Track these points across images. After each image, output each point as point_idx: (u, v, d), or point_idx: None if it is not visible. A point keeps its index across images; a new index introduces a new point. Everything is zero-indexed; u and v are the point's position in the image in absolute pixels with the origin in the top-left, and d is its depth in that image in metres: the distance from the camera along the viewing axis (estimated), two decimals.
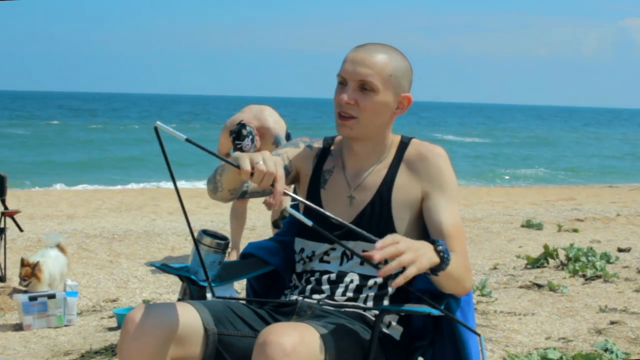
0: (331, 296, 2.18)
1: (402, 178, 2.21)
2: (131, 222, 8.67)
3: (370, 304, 2.16)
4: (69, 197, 12.32)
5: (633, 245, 6.77)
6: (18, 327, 4.44)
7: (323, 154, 2.33)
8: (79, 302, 4.83)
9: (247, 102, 6.87)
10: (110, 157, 23.08)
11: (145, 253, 6.71)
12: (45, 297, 4.44)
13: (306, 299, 2.18)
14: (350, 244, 2.19)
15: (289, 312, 2.15)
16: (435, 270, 1.91)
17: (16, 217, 5.81)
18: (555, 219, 8.94)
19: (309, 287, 2.22)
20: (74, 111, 59.02)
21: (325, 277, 2.21)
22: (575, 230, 7.91)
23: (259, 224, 8.18)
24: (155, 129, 1.84)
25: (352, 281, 2.18)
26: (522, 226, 8.26)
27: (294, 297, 2.22)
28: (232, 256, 5.97)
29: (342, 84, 2.19)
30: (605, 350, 3.66)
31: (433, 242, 1.91)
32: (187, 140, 1.84)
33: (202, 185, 15.10)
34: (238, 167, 1.92)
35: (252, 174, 1.90)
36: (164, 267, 2.34)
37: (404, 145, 2.26)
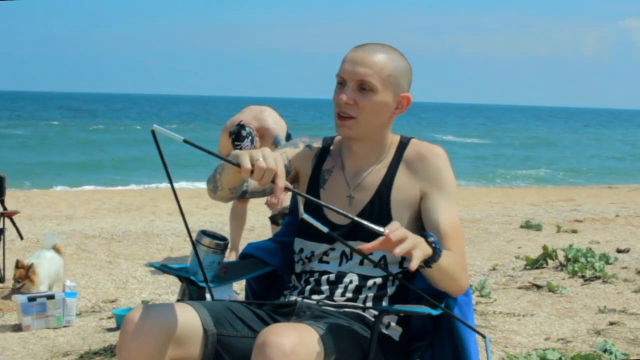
0: (330, 297, 2.18)
1: (401, 178, 2.21)
2: (130, 222, 8.67)
3: (369, 304, 2.16)
4: (68, 197, 12.32)
5: (632, 246, 6.77)
6: (17, 328, 4.44)
7: (322, 154, 2.33)
8: (78, 302, 4.83)
9: (247, 102, 6.87)
10: (110, 158, 23.08)
11: (145, 254, 6.71)
12: (44, 297, 4.44)
13: (305, 300, 2.18)
14: (349, 244, 2.19)
15: (288, 313, 2.15)
16: (428, 262, 1.93)
17: (15, 217, 5.81)
18: (554, 219, 8.94)
19: (308, 287, 2.22)
20: (73, 111, 59.01)
21: (324, 277, 2.21)
22: (574, 231, 7.91)
23: (258, 225, 8.18)
24: (153, 132, 1.84)
25: (351, 282, 2.18)
26: (521, 227, 8.26)
27: (293, 298, 2.22)
28: (231, 257, 5.97)
29: (341, 84, 2.19)
30: (604, 351, 3.66)
31: (424, 236, 1.93)
32: (185, 141, 1.84)
33: (202, 185, 15.10)
34: (238, 165, 1.91)
35: (252, 172, 1.90)
36: (163, 268, 2.34)
37: (403, 145, 2.26)
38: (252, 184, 2.29)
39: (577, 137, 45.59)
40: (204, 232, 2.38)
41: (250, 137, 5.61)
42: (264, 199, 7.36)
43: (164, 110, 68.85)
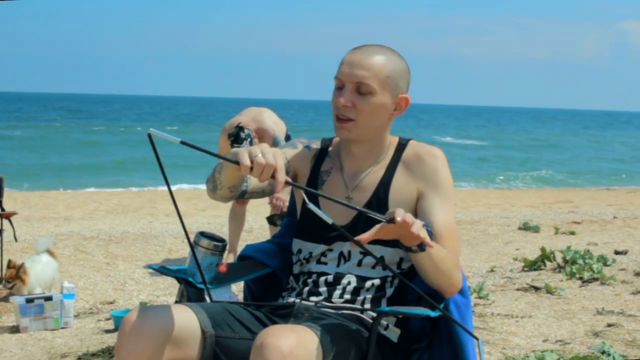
0: (328, 298, 2.18)
1: (399, 178, 2.21)
2: (128, 224, 8.66)
3: (367, 306, 2.16)
4: (66, 199, 12.31)
5: (630, 248, 6.77)
6: (15, 330, 4.43)
7: (321, 155, 2.34)
8: (76, 304, 4.82)
9: (246, 104, 6.87)
10: (109, 160, 23.06)
11: (143, 255, 6.71)
12: (42, 299, 4.43)
13: (304, 301, 2.18)
14: (347, 244, 2.20)
15: (287, 315, 2.15)
16: (421, 245, 1.95)
17: (13, 219, 5.80)
18: (552, 221, 8.95)
19: (306, 289, 2.22)
20: (73, 113, 58.95)
21: (322, 278, 2.21)
22: (572, 233, 7.92)
23: (256, 226, 8.17)
24: (149, 136, 1.84)
25: (349, 283, 2.18)
26: (519, 229, 8.27)
27: (291, 300, 2.22)
28: (229, 258, 5.96)
29: (340, 86, 2.19)
30: (603, 352, 3.66)
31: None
32: (182, 142, 1.83)
33: (200, 187, 15.10)
34: (237, 162, 1.91)
35: (251, 168, 1.90)
36: (161, 270, 2.33)
37: (401, 146, 2.27)
38: (252, 183, 2.29)
39: (576, 139, 45.56)
40: (202, 234, 2.38)
41: (249, 139, 5.61)
42: (262, 200, 7.35)
43: (164, 112, 68.81)
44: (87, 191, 14.87)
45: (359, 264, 2.19)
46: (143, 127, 39.27)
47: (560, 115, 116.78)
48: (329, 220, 1.88)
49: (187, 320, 2.01)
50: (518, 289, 5.17)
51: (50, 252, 5.13)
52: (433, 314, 2.03)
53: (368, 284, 2.18)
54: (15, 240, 5.91)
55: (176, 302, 2.32)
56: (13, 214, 5.74)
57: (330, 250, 2.23)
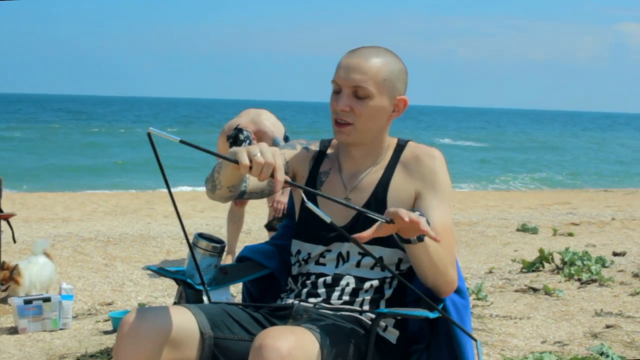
0: (327, 300, 2.17)
1: (398, 179, 2.21)
2: (126, 225, 8.66)
3: (366, 307, 2.16)
4: (64, 200, 12.29)
5: (628, 250, 6.78)
6: (13, 331, 4.43)
7: (319, 156, 2.34)
8: (74, 305, 4.82)
9: (245, 105, 6.88)
10: (108, 161, 23.05)
11: (141, 256, 6.70)
12: (41, 300, 4.43)
13: (302, 303, 2.18)
14: (346, 245, 2.20)
15: (285, 316, 2.15)
16: (421, 235, 1.97)
17: (11, 220, 5.79)
18: (551, 223, 8.95)
19: (305, 290, 2.22)
20: (72, 114, 58.91)
21: (321, 280, 2.21)
22: (570, 234, 7.92)
23: (254, 228, 8.17)
24: (149, 135, 1.83)
25: (348, 284, 2.18)
26: (518, 230, 8.27)
27: (290, 301, 2.22)
28: (228, 260, 5.96)
29: (337, 90, 2.19)
30: (601, 354, 3.66)
31: (412, 212, 1.96)
32: (182, 141, 1.83)
33: (199, 189, 15.09)
34: (236, 162, 1.91)
35: (250, 167, 1.90)
36: (160, 271, 2.33)
37: (400, 147, 2.27)
38: (251, 183, 2.29)
39: (576, 140, 45.54)
40: (200, 235, 2.38)
41: (248, 141, 5.62)
42: (261, 202, 7.35)
43: (163, 113, 68.75)
44: (86, 192, 14.86)
45: (358, 264, 2.19)
46: (143, 129, 39.25)
47: (559, 117, 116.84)
48: (327, 219, 1.88)
49: (186, 322, 2.01)
50: (516, 291, 5.17)
51: (47, 254, 5.11)
52: (432, 315, 2.03)
53: (367, 285, 2.18)
54: (14, 241, 5.90)
55: (175, 303, 2.32)
56: (11, 215, 5.73)
57: (329, 251, 2.23)
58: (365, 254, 2.12)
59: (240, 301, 2.41)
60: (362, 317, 2.14)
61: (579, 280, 5.36)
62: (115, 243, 7.23)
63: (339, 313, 2.13)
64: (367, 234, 1.91)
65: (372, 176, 2.24)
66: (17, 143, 28.61)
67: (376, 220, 2.09)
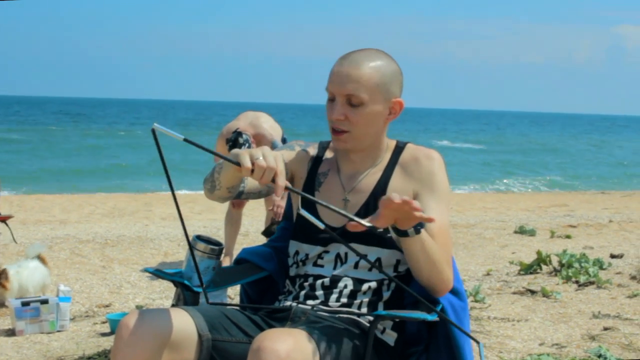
0: (325, 302, 2.17)
1: (396, 180, 2.22)
2: (124, 227, 8.65)
3: (364, 310, 2.16)
4: (62, 202, 12.29)
5: (625, 252, 6.78)
6: (11, 333, 4.42)
7: (318, 157, 2.34)
8: (72, 307, 4.81)
9: (245, 107, 6.88)
10: (107, 163, 23.03)
11: (139, 258, 6.70)
12: (38, 302, 4.42)
13: (300, 305, 2.18)
14: (344, 246, 2.20)
15: (283, 318, 2.14)
16: (417, 226, 1.97)
17: (9, 222, 5.79)
18: (548, 225, 8.96)
19: (302, 292, 2.22)
20: (71, 116, 58.83)
21: (319, 282, 2.20)
22: (568, 237, 7.92)
23: (252, 230, 8.17)
24: (153, 131, 1.83)
25: (346, 286, 2.18)
26: (515, 232, 8.27)
27: (288, 303, 2.22)
28: (226, 262, 5.96)
29: (331, 98, 2.19)
30: (599, 356, 3.66)
31: None
32: (185, 140, 1.83)
33: (196, 191, 15.08)
34: (238, 164, 1.91)
35: (252, 171, 1.90)
36: (157, 273, 2.33)
37: (399, 149, 2.27)
38: (249, 183, 2.29)
39: (576, 142, 45.49)
40: (198, 237, 2.38)
41: (247, 144, 5.63)
42: (259, 204, 7.35)
43: (162, 116, 68.62)
44: (83, 194, 14.85)
45: (356, 266, 2.19)
46: (142, 131, 39.28)
47: (558, 119, 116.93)
48: (321, 226, 1.89)
49: (184, 324, 2.01)
50: (514, 293, 5.17)
51: (41, 258, 5.04)
52: (430, 317, 2.03)
53: (365, 286, 2.18)
54: (15, 241, 5.90)
55: (172, 305, 2.31)
56: (9, 217, 5.75)
57: (327, 252, 2.23)
58: (362, 257, 2.12)
59: (237, 304, 2.41)
60: (360, 320, 2.14)
61: (577, 282, 5.36)
62: (112, 245, 7.22)
63: (337, 315, 2.13)
64: (356, 223, 1.90)
65: (370, 177, 2.24)
66: (16, 145, 28.58)
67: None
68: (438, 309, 2.09)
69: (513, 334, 4.18)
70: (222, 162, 2.10)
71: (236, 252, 6.06)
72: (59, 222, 9.44)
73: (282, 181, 1.89)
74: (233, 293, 5.01)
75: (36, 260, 5.00)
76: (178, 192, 15.60)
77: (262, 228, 6.85)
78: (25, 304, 4.40)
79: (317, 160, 2.34)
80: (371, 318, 2.10)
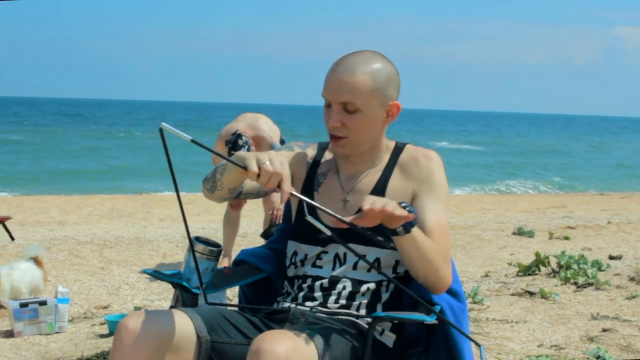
0: (324, 304, 2.17)
1: (395, 181, 2.22)
2: (122, 228, 8.64)
3: (363, 311, 2.16)
4: (60, 203, 12.27)
5: (624, 253, 6.79)
6: (9, 334, 4.42)
7: (317, 158, 2.34)
8: (70, 308, 4.80)
9: (245, 109, 6.88)
10: (106, 165, 23.02)
11: (137, 260, 6.69)
12: (37, 303, 4.42)
13: (299, 307, 2.18)
14: (342, 246, 2.20)
15: (282, 320, 2.14)
16: (407, 225, 1.97)
17: (7, 223, 5.79)
18: (547, 226, 8.96)
19: (301, 294, 2.22)
20: (70, 117, 58.78)
21: (317, 283, 2.20)
22: (566, 238, 7.93)
23: (250, 231, 8.16)
24: (161, 131, 1.82)
25: (344, 288, 2.18)
26: (514, 233, 8.27)
27: (286, 305, 2.22)
28: (224, 263, 5.96)
29: (328, 104, 2.19)
30: (598, 357, 3.67)
31: (398, 203, 1.97)
32: (193, 141, 1.83)
33: (195, 192, 15.08)
34: (245, 167, 1.91)
35: (258, 175, 1.90)
36: (156, 274, 2.33)
37: (398, 150, 2.27)
38: (248, 184, 2.29)
39: (576, 143, 45.43)
40: (197, 239, 2.37)
41: (246, 147, 5.64)
42: (257, 206, 7.34)
43: (160, 117, 68.57)
44: (82, 196, 14.84)
45: (355, 267, 2.19)
46: (142, 132, 39.30)
47: (557, 120, 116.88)
48: (328, 232, 1.89)
49: (183, 326, 2.01)
50: (513, 294, 5.17)
51: (37, 260, 4.98)
52: (429, 319, 2.03)
53: (363, 288, 2.17)
54: (12, 239, 5.89)
55: (171, 307, 2.31)
56: (7, 218, 5.74)
57: (325, 252, 2.23)
58: (361, 257, 2.12)
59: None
60: (359, 321, 2.14)
61: (575, 283, 5.37)
62: (111, 246, 7.22)
63: (335, 317, 2.13)
64: (341, 220, 1.92)
65: (370, 178, 2.24)
66: (14, 146, 28.57)
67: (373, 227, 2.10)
68: (437, 310, 2.09)
69: (511, 336, 4.18)
70: (225, 163, 2.10)
71: (234, 254, 6.06)
72: (58, 223, 9.44)
73: (287, 187, 1.90)
74: (232, 294, 5.01)
75: (30, 261, 4.95)
76: (174, 193, 15.56)
77: (261, 229, 6.85)
78: (23, 305, 4.40)
79: (316, 161, 2.34)
80: (370, 319, 2.10)
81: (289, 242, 2.32)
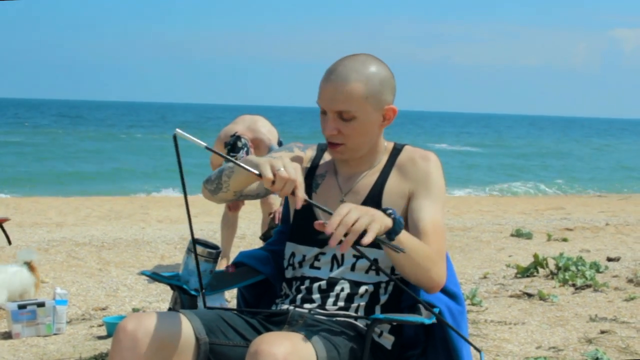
0: (322, 306, 2.17)
1: (393, 181, 2.22)
2: (120, 230, 8.64)
3: (361, 313, 2.16)
4: (58, 205, 12.26)
5: (622, 255, 6.79)
6: (7, 336, 4.41)
7: (316, 159, 2.35)
8: (69, 310, 4.80)
9: (244, 111, 6.89)
10: (105, 166, 23.00)
11: (135, 261, 6.69)
12: (35, 305, 4.42)
13: (297, 309, 2.18)
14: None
15: (281, 322, 2.14)
16: (390, 233, 1.92)
17: (5, 225, 5.78)
18: (545, 228, 8.96)
19: (299, 296, 2.22)
20: (70, 119, 58.71)
21: (315, 285, 2.20)
22: (564, 240, 7.93)
23: (249, 233, 8.16)
24: (174, 137, 1.83)
25: (342, 290, 2.18)
26: (512, 235, 8.27)
27: (285, 307, 2.22)
28: (222, 265, 5.96)
29: (323, 111, 2.19)
30: (596, 359, 3.67)
31: (383, 210, 1.94)
32: (207, 148, 1.84)
33: (194, 194, 15.07)
34: (259, 174, 1.91)
35: (273, 182, 1.89)
36: (154, 276, 2.33)
37: (396, 151, 2.27)
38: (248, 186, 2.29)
39: (577, 145, 45.35)
40: (196, 241, 2.37)
41: (245, 148, 5.65)
42: (256, 207, 7.34)
43: (160, 118, 68.47)
44: (80, 197, 14.82)
45: (353, 268, 2.19)
46: (142, 134, 39.31)
47: (556, 122, 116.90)
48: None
49: (182, 328, 2.01)
50: (511, 296, 5.17)
51: (30, 266, 4.92)
52: (427, 321, 2.03)
53: (362, 289, 2.17)
54: (10, 243, 5.88)
55: (170, 309, 2.31)
56: (5, 219, 5.73)
57: (323, 253, 2.23)
58: (360, 256, 2.12)
59: (235, 307, 2.41)
60: (358, 323, 2.14)
61: (574, 285, 5.37)
62: (109, 248, 7.22)
63: (334, 319, 2.13)
64: (322, 224, 1.88)
65: (367, 179, 2.25)
66: (13, 147, 28.53)
67: None
68: (435, 312, 2.09)
69: (510, 337, 4.18)
70: (233, 165, 2.10)
71: (233, 255, 6.06)
72: (56, 225, 9.43)
73: (301, 193, 1.90)
74: (230, 296, 5.01)
75: (24, 266, 4.89)
76: (176, 195, 15.46)
77: (259, 231, 6.85)
78: (21, 306, 4.40)
79: (315, 162, 2.34)
80: (368, 321, 2.10)
81: (287, 243, 2.32)
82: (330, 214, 1.89)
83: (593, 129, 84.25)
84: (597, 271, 5.79)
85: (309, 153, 2.36)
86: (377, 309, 2.17)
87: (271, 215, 5.72)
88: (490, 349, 3.97)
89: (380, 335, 2.16)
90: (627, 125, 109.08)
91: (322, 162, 2.34)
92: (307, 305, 2.18)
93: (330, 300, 2.17)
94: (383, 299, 2.18)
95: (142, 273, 2.42)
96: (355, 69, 2.14)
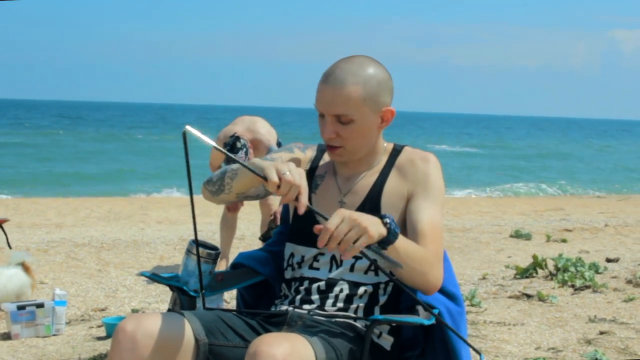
0: (321, 307, 2.17)
1: (392, 182, 2.22)
2: (120, 231, 8.64)
3: (360, 314, 2.16)
4: (58, 205, 12.25)
5: (621, 256, 6.80)
6: (6, 337, 4.41)
7: (316, 160, 2.35)
8: (68, 311, 4.80)
9: (244, 111, 6.89)
10: (105, 167, 22.98)
11: (134, 262, 6.69)
12: (34, 306, 4.42)
13: (296, 310, 2.18)
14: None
15: (280, 323, 2.14)
16: (384, 242, 1.91)
17: (4, 225, 5.78)
18: (544, 229, 8.97)
19: (298, 297, 2.22)
20: (70, 120, 58.64)
21: (314, 286, 2.20)
22: (563, 241, 7.93)
23: (248, 234, 8.16)
24: (184, 134, 1.83)
25: (341, 290, 2.18)
26: (511, 236, 8.28)
27: (284, 308, 2.22)
28: (222, 266, 5.96)
29: (322, 115, 2.19)
30: None
31: (381, 217, 1.93)
32: (216, 147, 1.84)
33: (195, 194, 15.04)
34: (264, 177, 1.91)
35: (278, 186, 1.89)
36: (154, 277, 2.33)
37: (396, 152, 2.28)
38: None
39: (577, 146, 45.29)
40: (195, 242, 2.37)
41: (244, 149, 5.65)
42: (255, 208, 7.34)
43: (160, 119, 68.43)
44: (79, 198, 14.82)
45: (352, 268, 2.19)
46: (142, 135, 39.28)
47: (555, 123, 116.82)
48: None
49: (181, 329, 2.01)
50: (510, 297, 5.17)
51: (25, 267, 4.92)
52: (427, 322, 2.03)
53: (361, 290, 2.17)
54: (9, 247, 5.88)
55: (169, 309, 2.31)
56: (5, 220, 5.73)
57: (322, 254, 2.23)
58: (359, 257, 2.12)
59: (234, 308, 2.41)
60: (357, 324, 2.14)
61: (573, 286, 5.37)
62: (108, 249, 7.22)
63: (333, 320, 2.13)
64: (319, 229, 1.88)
65: (367, 180, 2.25)
66: (13, 148, 28.52)
67: None
68: (435, 313, 2.09)
69: (509, 338, 4.18)
70: (236, 167, 2.10)
71: (232, 256, 6.06)
72: (55, 226, 9.42)
73: (305, 199, 1.90)
74: (229, 297, 5.01)
75: (15, 267, 4.88)
76: (175, 196, 15.42)
77: (258, 232, 6.85)
78: (20, 307, 4.40)
79: (314, 163, 2.34)
80: (368, 322, 2.10)
81: (287, 244, 2.33)
82: (324, 216, 1.90)
83: (593, 130, 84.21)
84: (596, 272, 5.80)
85: (309, 153, 2.36)
86: (376, 309, 2.17)
87: (272, 216, 5.72)
88: (489, 350, 3.97)
89: (379, 336, 2.16)
90: (627, 127, 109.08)
91: (321, 162, 2.34)
92: (306, 306, 2.18)
93: (330, 301, 2.17)
94: (382, 299, 2.18)
95: (142, 274, 2.42)
96: (352, 72, 2.13)
